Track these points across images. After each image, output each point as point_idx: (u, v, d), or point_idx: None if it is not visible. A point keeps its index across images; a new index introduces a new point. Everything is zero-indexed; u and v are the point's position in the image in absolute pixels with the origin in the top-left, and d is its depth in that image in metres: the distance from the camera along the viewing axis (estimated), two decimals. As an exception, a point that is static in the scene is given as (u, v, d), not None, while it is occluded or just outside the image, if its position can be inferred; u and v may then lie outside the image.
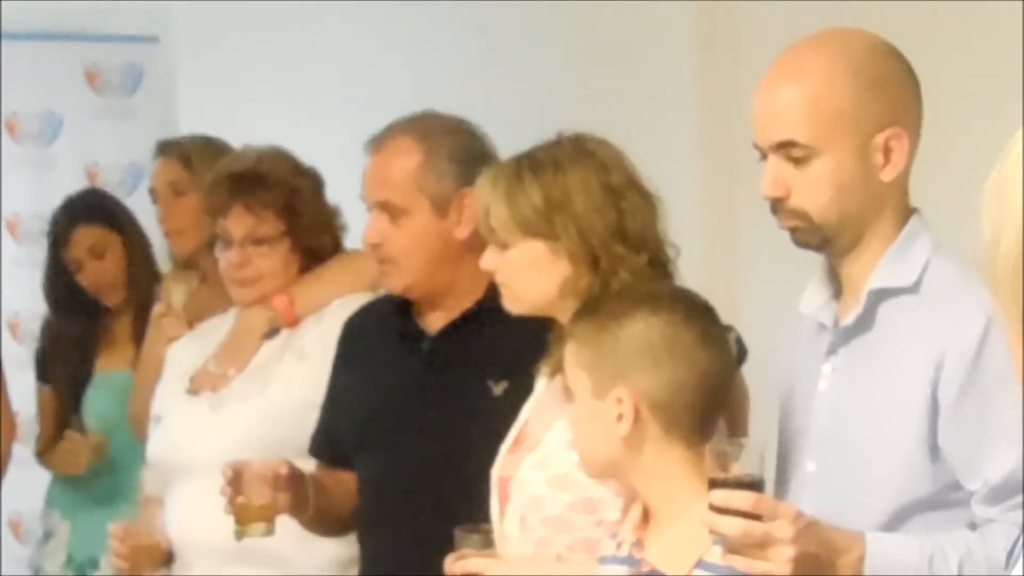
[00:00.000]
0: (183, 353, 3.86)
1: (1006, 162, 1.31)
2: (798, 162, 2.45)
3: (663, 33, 4.61)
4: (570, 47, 5.10)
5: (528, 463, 2.83)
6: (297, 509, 3.21)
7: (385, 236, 3.24)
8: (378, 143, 3.27)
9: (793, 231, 2.51)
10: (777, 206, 2.49)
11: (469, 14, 5.52)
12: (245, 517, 3.16)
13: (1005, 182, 1.32)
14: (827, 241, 2.50)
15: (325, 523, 3.36)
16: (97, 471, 4.52)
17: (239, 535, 3.20)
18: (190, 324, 4.07)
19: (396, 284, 3.32)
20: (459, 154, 3.21)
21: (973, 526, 2.38)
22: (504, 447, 2.91)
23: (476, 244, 3.11)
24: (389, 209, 3.21)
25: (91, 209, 4.72)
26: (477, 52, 5.42)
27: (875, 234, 2.48)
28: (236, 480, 3.14)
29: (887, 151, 2.43)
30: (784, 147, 2.46)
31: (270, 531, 3.18)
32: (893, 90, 2.46)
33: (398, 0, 5.90)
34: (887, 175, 2.44)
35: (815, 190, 2.45)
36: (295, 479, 3.18)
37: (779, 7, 3.97)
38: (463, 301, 3.21)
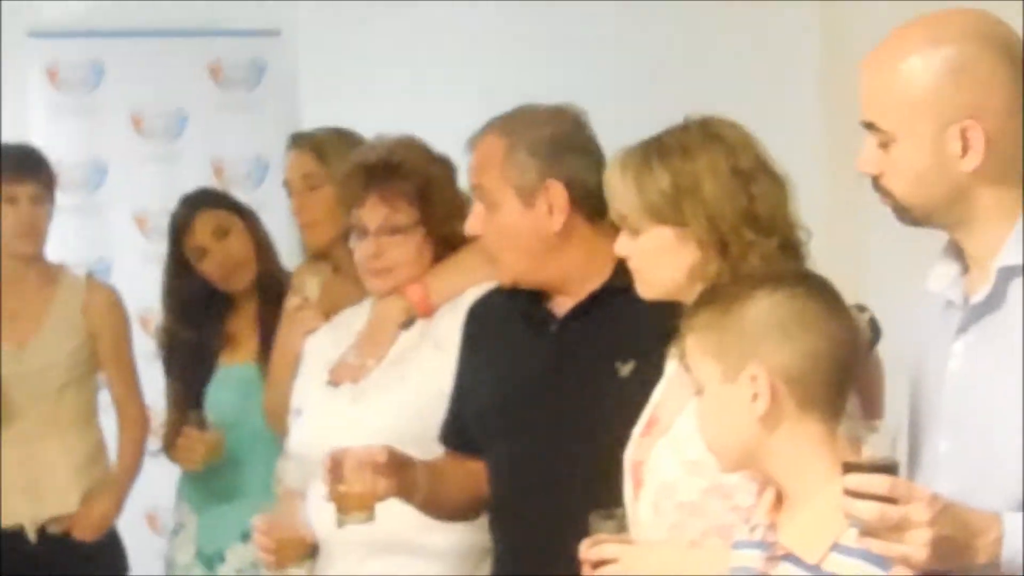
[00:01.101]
0: (321, 345, 3.90)
1: None
2: (883, 144, 2.45)
3: (787, 16, 4.60)
4: (696, 32, 5.10)
5: (660, 447, 2.83)
6: (404, 494, 3.23)
7: (485, 231, 3.28)
8: (473, 141, 3.31)
9: (893, 209, 2.51)
10: (874, 183, 2.49)
11: (591, 3, 5.52)
12: (345, 505, 3.20)
13: None
14: (921, 221, 2.49)
15: (442, 508, 3.38)
16: (220, 465, 4.57)
17: (340, 523, 3.24)
18: (326, 316, 4.10)
19: (503, 276, 3.35)
20: (542, 147, 3.21)
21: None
22: (636, 430, 2.91)
23: (581, 231, 3.18)
24: (484, 202, 3.24)
25: (210, 196, 4.77)
26: (599, 38, 5.42)
27: (994, 212, 2.45)
28: (336, 469, 3.18)
29: (965, 140, 2.42)
30: (871, 128, 2.46)
31: (370, 518, 3.21)
32: (980, 80, 2.42)
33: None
34: (968, 164, 2.41)
35: (896, 173, 2.44)
36: (398, 465, 3.20)
37: None
38: (589, 284, 3.20)
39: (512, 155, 3.22)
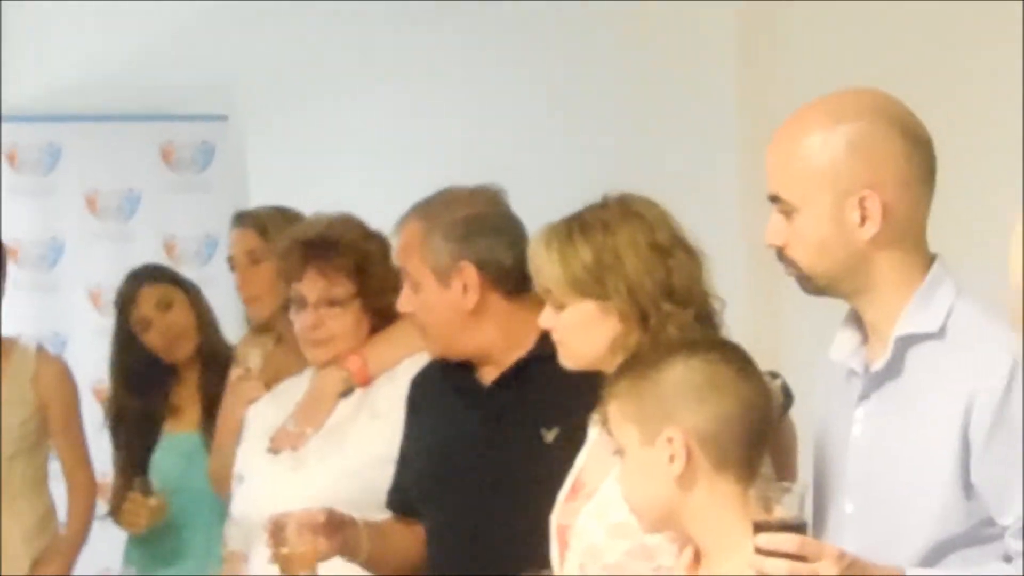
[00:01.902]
0: (262, 414, 3.90)
1: None
2: (787, 215, 2.48)
3: (706, 96, 4.64)
4: (618, 112, 5.13)
5: (586, 512, 2.83)
6: (346, 552, 3.25)
7: (411, 307, 3.31)
8: (398, 225, 3.37)
9: (796, 279, 2.55)
10: (779, 255, 2.53)
11: (523, 85, 5.56)
12: (289, 566, 3.22)
13: None
14: (824, 289, 2.52)
15: (386, 567, 3.39)
16: (164, 529, 4.55)
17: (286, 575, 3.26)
18: (267, 386, 4.09)
19: (431, 349, 3.38)
20: (455, 230, 3.24)
21: (1008, 559, 2.37)
22: (562, 495, 2.91)
23: (497, 306, 3.22)
24: (409, 282, 3.29)
25: (154, 271, 4.77)
26: (531, 119, 5.44)
27: (892, 280, 2.48)
28: (278, 532, 3.20)
29: (863, 210, 2.45)
30: (776, 200, 2.49)
31: (314, 573, 3.22)
32: (873, 152, 2.46)
33: (453, 69, 5.96)
34: (866, 233, 2.44)
35: (799, 243, 2.47)
36: (338, 525, 3.22)
37: (810, 80, 4.00)
38: (513, 354, 3.22)
39: (428, 239, 3.26)
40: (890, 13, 4.10)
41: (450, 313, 3.25)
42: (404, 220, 3.33)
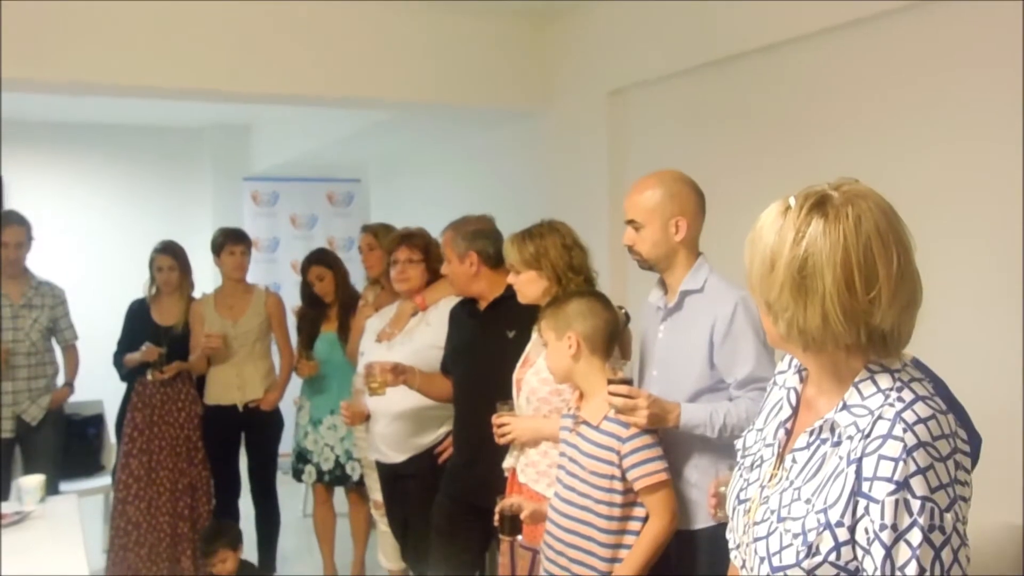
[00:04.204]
0: (373, 323, 3.83)
1: (756, 226, 1.33)
2: (637, 229, 2.47)
3: (593, 164, 4.59)
4: (534, 174, 5.08)
5: (530, 372, 2.81)
6: (405, 383, 3.25)
7: (447, 273, 3.28)
8: (443, 232, 3.31)
9: (637, 262, 2.54)
10: (630, 250, 2.51)
11: (501, 173, 5.53)
12: (373, 388, 3.23)
13: (754, 237, 1.34)
14: (652, 267, 2.52)
15: (431, 395, 3.35)
16: (318, 377, 4.48)
17: (371, 393, 3.26)
18: (376, 309, 4.02)
19: (456, 293, 3.34)
20: (468, 236, 3.19)
21: (730, 398, 2.39)
22: (519, 364, 2.89)
23: (486, 273, 3.17)
24: (447, 260, 3.25)
25: (319, 254, 4.69)
26: (500, 191, 5.40)
27: (680, 263, 2.48)
28: (369, 372, 3.24)
29: (677, 226, 2.45)
30: (631, 222, 2.48)
31: (384, 392, 3.25)
32: (681, 198, 2.45)
33: (473, 164, 5.91)
34: (677, 238, 2.45)
35: (645, 244, 2.47)
36: (400, 370, 3.24)
37: (653, 157, 3.96)
38: (494, 295, 3.16)
39: (455, 239, 3.21)
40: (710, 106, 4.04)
41: (463, 276, 3.20)
42: (445, 229, 3.28)
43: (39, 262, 4.59)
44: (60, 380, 4.63)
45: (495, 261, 3.08)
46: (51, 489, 3.67)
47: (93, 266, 7.07)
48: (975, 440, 1.74)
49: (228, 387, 4.49)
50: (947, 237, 2.86)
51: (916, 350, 1.35)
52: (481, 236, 3.20)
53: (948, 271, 2.78)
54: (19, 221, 4.42)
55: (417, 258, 3.63)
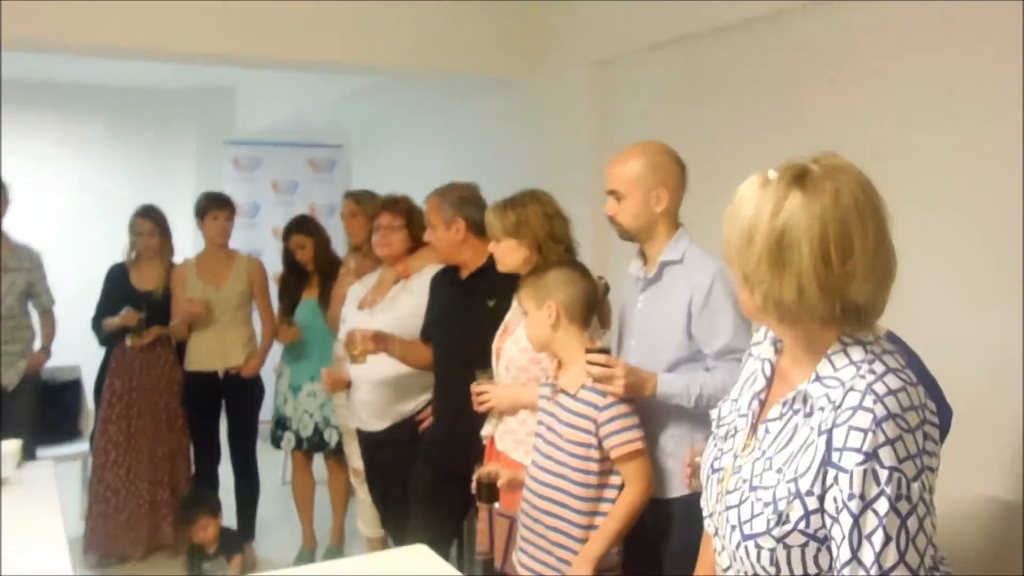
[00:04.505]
0: (355, 290, 3.82)
1: (735, 198, 1.33)
2: (618, 200, 2.48)
3: (576, 134, 4.58)
4: (518, 143, 5.06)
5: (509, 341, 2.82)
6: (385, 351, 3.27)
7: (430, 239, 3.27)
8: (427, 198, 3.29)
9: (618, 232, 2.54)
10: (611, 220, 2.52)
11: (481, 142, 5.50)
12: (353, 355, 3.26)
13: (733, 209, 1.34)
14: (632, 238, 2.52)
15: (410, 362, 3.36)
16: (299, 344, 4.48)
17: (353, 360, 3.28)
18: (358, 276, 4.01)
19: (439, 260, 3.34)
20: (455, 202, 3.18)
21: (707, 369, 2.40)
22: (498, 333, 2.90)
23: (471, 241, 3.16)
24: (430, 226, 3.24)
25: (300, 221, 4.67)
26: (484, 159, 5.36)
27: (660, 235, 2.49)
28: (350, 339, 3.26)
29: (658, 197, 2.45)
30: (612, 192, 2.48)
31: (365, 361, 3.28)
32: (663, 170, 2.45)
33: (456, 134, 5.89)
34: (658, 209, 2.45)
35: (623, 214, 2.48)
36: (380, 338, 3.25)
37: (636, 128, 3.95)
38: (476, 264, 3.17)
39: (441, 205, 3.20)
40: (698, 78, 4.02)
41: (449, 242, 3.20)
42: (431, 195, 3.27)
43: (16, 225, 4.54)
44: (37, 345, 4.60)
45: (481, 229, 3.07)
46: (28, 455, 3.66)
47: (71, 229, 7.02)
48: (945, 412, 1.76)
49: (209, 353, 4.48)
50: (935, 215, 2.84)
51: (905, 325, 1.36)
52: (468, 203, 3.20)
53: (939, 247, 2.79)
54: (-6, 183, 4.38)
55: (399, 224, 3.62)
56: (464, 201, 3.20)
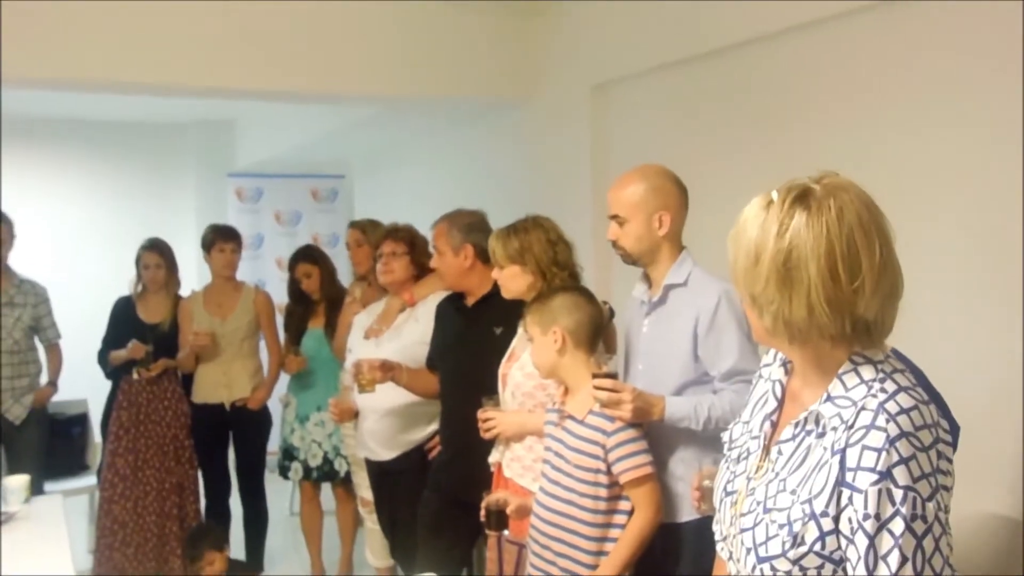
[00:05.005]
0: (361, 320, 3.82)
1: (739, 221, 1.33)
2: (620, 224, 2.48)
3: (576, 159, 4.58)
4: (519, 168, 5.07)
5: (515, 367, 2.82)
6: (392, 380, 3.27)
7: (437, 266, 3.26)
8: (434, 224, 3.30)
9: (621, 256, 2.55)
10: (614, 245, 2.52)
11: (480, 165, 5.50)
12: (361, 384, 3.25)
13: (738, 232, 1.34)
14: (636, 261, 2.53)
15: (416, 391, 3.37)
16: (306, 373, 4.47)
17: (361, 390, 3.27)
18: (364, 306, 4.01)
19: (446, 286, 3.33)
20: (463, 228, 3.19)
21: (715, 391, 2.39)
22: (505, 359, 2.90)
23: (478, 267, 3.15)
24: (438, 252, 3.23)
25: (306, 251, 4.68)
26: (485, 184, 5.37)
27: (664, 258, 2.49)
28: (357, 369, 3.25)
29: (660, 221, 2.46)
30: (614, 217, 2.49)
31: (373, 390, 3.27)
32: (664, 193, 2.45)
33: (457, 158, 5.91)
34: (661, 233, 2.46)
35: (626, 238, 2.48)
36: (388, 367, 3.25)
37: (637, 151, 3.96)
38: (482, 291, 3.16)
39: (450, 231, 3.20)
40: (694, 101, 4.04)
41: (457, 269, 3.20)
42: (437, 221, 3.28)
43: (21, 260, 4.56)
44: (44, 379, 4.59)
45: (488, 256, 3.07)
46: (35, 489, 3.64)
47: (76, 263, 7.04)
48: (953, 428, 1.76)
49: (215, 385, 4.47)
50: (935, 228, 2.83)
51: (907, 341, 1.36)
52: (477, 229, 3.20)
53: (937, 262, 2.77)
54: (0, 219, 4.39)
55: (401, 251, 3.63)
56: (472, 227, 3.21)
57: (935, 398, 1.36)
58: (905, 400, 1.24)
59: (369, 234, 4.22)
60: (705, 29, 3.74)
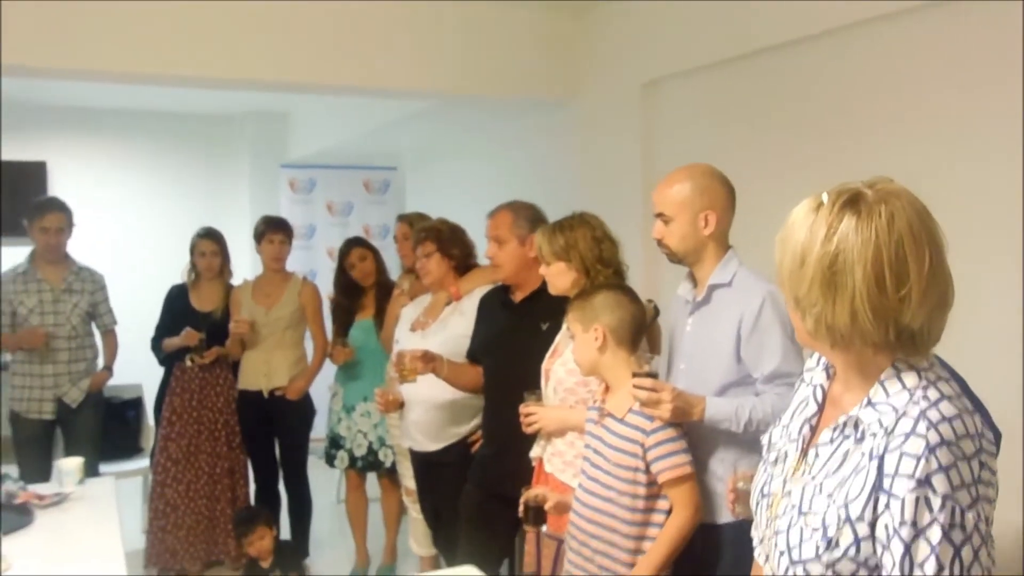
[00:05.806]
0: (408, 312, 3.85)
1: (787, 222, 1.32)
2: (666, 223, 2.47)
3: (625, 156, 4.56)
4: (568, 164, 5.05)
5: (558, 363, 2.82)
6: (433, 372, 3.27)
7: (496, 256, 3.24)
8: (491, 213, 3.29)
9: (666, 255, 2.53)
10: (659, 243, 2.51)
11: (529, 162, 5.51)
12: (403, 375, 3.27)
13: (785, 233, 1.32)
14: (681, 260, 2.51)
15: (458, 384, 3.37)
16: (353, 364, 4.49)
17: (402, 380, 3.30)
18: (411, 298, 4.04)
19: (502, 277, 3.31)
20: (529, 218, 3.19)
21: (757, 393, 2.37)
22: (548, 355, 2.90)
23: (537, 262, 3.12)
24: (498, 241, 3.23)
25: (357, 240, 4.70)
26: (533, 180, 5.38)
27: (709, 257, 2.47)
28: (400, 360, 3.26)
29: (706, 220, 2.44)
30: (660, 215, 2.47)
31: (415, 380, 3.29)
32: (710, 192, 2.43)
33: (508, 151, 5.93)
34: (707, 232, 2.44)
35: (671, 237, 2.47)
36: (430, 358, 3.25)
37: (685, 150, 3.93)
38: (530, 287, 3.17)
39: (517, 221, 3.20)
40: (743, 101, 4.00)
41: (521, 259, 3.19)
42: (497, 210, 3.28)
43: (80, 248, 4.66)
44: (100, 364, 4.69)
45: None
46: (90, 471, 3.73)
47: (132, 252, 7.17)
48: (996, 437, 1.72)
49: (256, 374, 4.54)
50: (990, 230, 2.78)
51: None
52: (541, 220, 3.20)
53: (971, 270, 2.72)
54: (60, 207, 4.49)
55: (431, 250, 3.65)
56: (537, 218, 3.22)
57: (979, 408, 1.33)
58: (948, 409, 1.23)
59: (414, 227, 4.25)
60: (756, 27, 3.70)
